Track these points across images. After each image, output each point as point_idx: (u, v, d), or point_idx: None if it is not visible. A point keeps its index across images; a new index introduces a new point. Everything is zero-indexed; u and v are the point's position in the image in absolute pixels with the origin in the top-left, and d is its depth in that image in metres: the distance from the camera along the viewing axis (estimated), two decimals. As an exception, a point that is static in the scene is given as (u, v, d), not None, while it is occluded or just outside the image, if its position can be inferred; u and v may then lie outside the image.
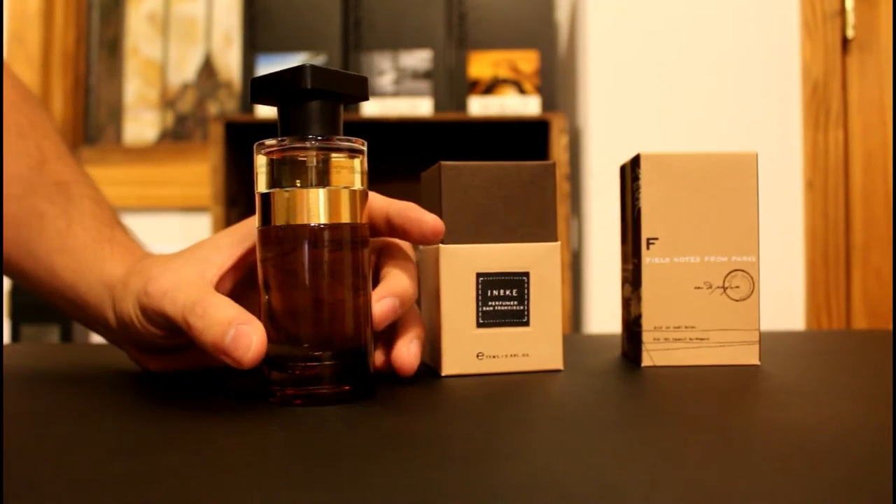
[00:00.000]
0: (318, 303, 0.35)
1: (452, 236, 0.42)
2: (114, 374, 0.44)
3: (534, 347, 0.42)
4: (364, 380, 0.36)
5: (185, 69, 1.88)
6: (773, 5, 1.43)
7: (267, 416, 0.33)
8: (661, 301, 0.44)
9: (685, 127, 1.43)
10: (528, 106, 1.41)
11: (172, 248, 0.42)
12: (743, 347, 0.44)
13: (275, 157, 0.35)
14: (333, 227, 0.35)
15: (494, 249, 0.42)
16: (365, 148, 0.37)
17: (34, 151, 0.48)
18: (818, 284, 1.42)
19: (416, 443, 0.28)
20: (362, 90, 0.37)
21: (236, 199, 1.45)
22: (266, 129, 1.39)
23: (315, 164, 0.35)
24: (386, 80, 1.43)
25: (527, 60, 1.42)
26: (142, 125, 1.88)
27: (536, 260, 0.42)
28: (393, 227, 0.39)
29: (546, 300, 0.42)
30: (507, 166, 0.42)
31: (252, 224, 0.39)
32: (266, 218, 0.35)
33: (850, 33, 1.43)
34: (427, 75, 1.43)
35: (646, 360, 0.44)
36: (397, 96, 1.43)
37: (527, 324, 0.42)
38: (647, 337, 0.44)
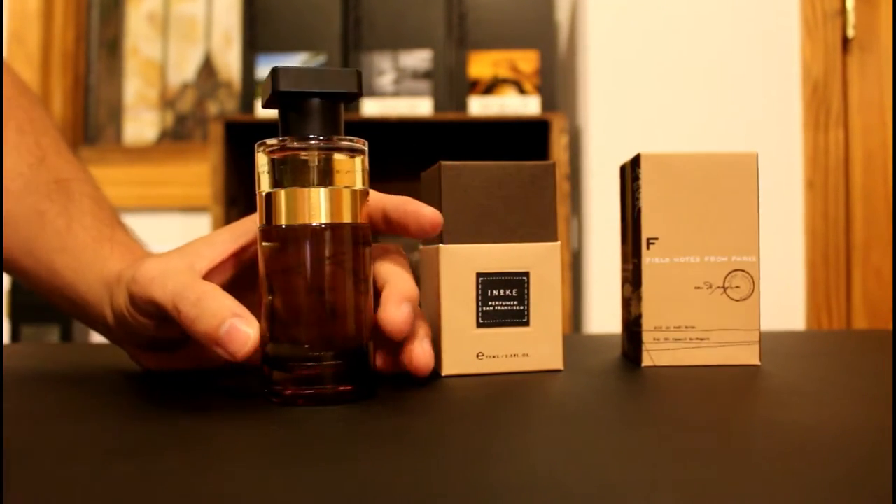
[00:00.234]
0: (319, 302, 0.35)
1: (452, 236, 0.42)
2: (114, 374, 0.44)
3: (534, 347, 0.42)
4: (365, 380, 0.36)
5: (184, 69, 1.88)
6: (773, 5, 1.43)
7: (268, 416, 0.33)
8: (661, 301, 0.44)
9: (685, 127, 1.43)
10: (528, 106, 1.41)
11: (172, 248, 0.42)
12: (743, 347, 0.44)
13: (276, 156, 0.35)
14: (335, 227, 0.35)
15: (494, 249, 0.42)
16: (366, 147, 0.37)
17: (34, 148, 0.47)
18: (818, 284, 1.42)
19: (416, 443, 0.28)
20: (350, 84, 0.35)
21: (236, 199, 1.45)
22: (266, 128, 1.39)
23: (316, 163, 0.35)
24: (386, 80, 1.43)
25: (527, 60, 1.42)
26: (142, 125, 1.88)
27: (536, 260, 0.42)
28: (391, 222, 0.39)
29: (546, 300, 0.42)
30: (507, 166, 0.42)
31: (250, 221, 0.39)
32: (268, 217, 0.35)
33: (850, 33, 1.43)
34: (427, 75, 1.43)
35: (646, 360, 0.44)
36: (397, 96, 1.43)
37: (527, 324, 0.42)
38: (647, 337, 0.44)
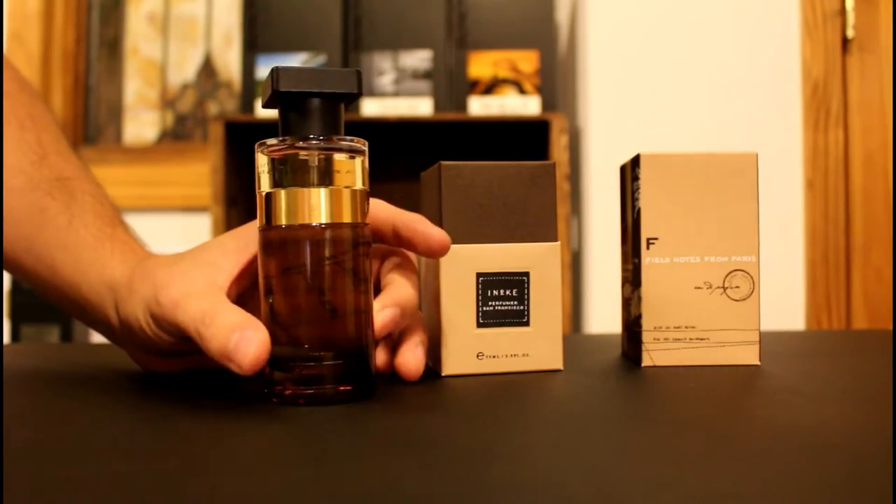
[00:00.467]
0: (319, 303, 0.35)
1: (452, 236, 0.42)
2: (114, 374, 0.44)
3: (534, 347, 0.42)
4: (365, 380, 0.36)
5: (185, 69, 1.88)
6: (773, 5, 1.43)
7: (268, 415, 0.33)
8: (661, 301, 0.44)
9: (685, 127, 1.43)
10: (528, 106, 1.41)
11: (173, 248, 0.42)
12: (743, 347, 0.44)
13: (276, 156, 0.35)
14: (335, 227, 0.35)
15: (494, 249, 0.42)
16: (366, 148, 0.37)
17: (35, 145, 0.47)
18: (818, 284, 1.42)
19: (416, 443, 0.28)
20: (350, 85, 0.35)
21: (236, 199, 1.45)
22: (266, 128, 1.39)
23: (316, 163, 0.35)
24: (386, 80, 1.43)
25: (527, 60, 1.42)
26: (142, 125, 1.88)
27: (536, 260, 0.42)
28: (400, 239, 0.39)
29: (546, 300, 0.42)
30: (507, 166, 0.42)
31: (254, 227, 0.39)
32: (268, 217, 0.35)
33: (850, 33, 1.43)
34: (427, 75, 1.43)
35: (646, 360, 0.44)
36: (397, 96, 1.43)
37: (527, 324, 0.42)
38: (647, 337, 0.44)
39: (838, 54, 1.43)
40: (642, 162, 0.44)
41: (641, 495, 0.22)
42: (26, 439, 0.29)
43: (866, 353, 0.51)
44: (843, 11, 1.43)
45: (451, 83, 1.43)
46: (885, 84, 1.42)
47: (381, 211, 0.39)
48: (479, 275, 0.42)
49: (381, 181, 1.36)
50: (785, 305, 1.41)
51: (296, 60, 1.42)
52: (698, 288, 0.44)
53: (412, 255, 0.41)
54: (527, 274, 0.42)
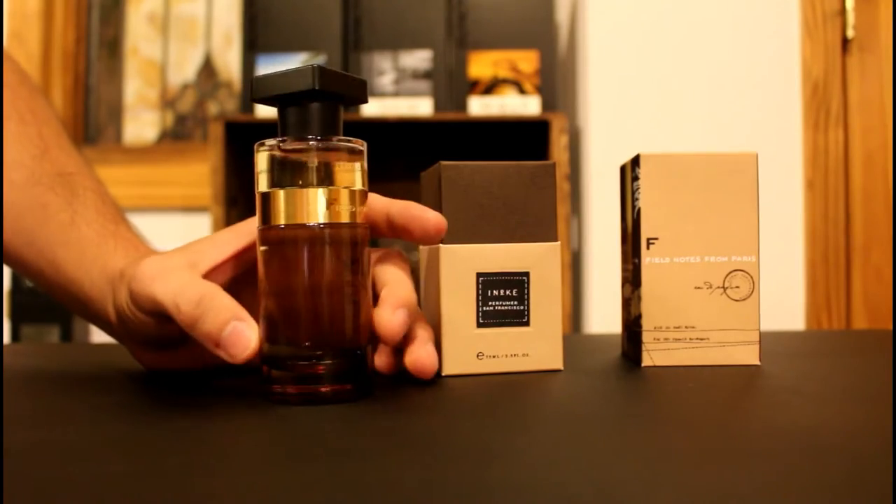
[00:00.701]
0: (317, 302, 0.35)
1: (452, 236, 0.42)
2: (114, 374, 0.44)
3: (534, 347, 0.42)
4: (363, 379, 0.36)
5: (185, 69, 1.88)
6: (773, 5, 1.43)
7: (267, 415, 0.33)
8: (661, 301, 0.44)
9: (685, 127, 1.43)
10: (528, 106, 1.41)
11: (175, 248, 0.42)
12: (743, 347, 0.44)
13: (275, 156, 0.35)
14: (333, 227, 0.35)
15: (494, 249, 0.42)
16: (364, 148, 0.37)
17: (36, 139, 0.47)
18: (818, 284, 1.42)
19: (416, 443, 0.28)
20: (362, 92, 0.37)
21: (236, 199, 1.45)
22: (266, 129, 1.39)
23: (315, 164, 0.35)
24: (386, 80, 1.43)
25: (527, 60, 1.42)
26: (142, 125, 1.88)
27: (536, 260, 0.42)
28: (394, 227, 0.39)
29: (546, 300, 0.42)
30: (507, 166, 0.42)
31: (254, 222, 0.39)
32: (266, 217, 0.35)
33: (850, 33, 1.43)
34: (427, 75, 1.43)
35: (646, 360, 0.44)
36: (397, 96, 1.43)
37: (527, 324, 0.42)
38: (647, 337, 0.44)
39: (838, 54, 1.43)
40: (642, 162, 0.44)
41: (641, 495, 0.22)
42: (26, 439, 0.29)
43: (866, 353, 0.51)
44: (843, 11, 1.43)
45: (451, 83, 1.43)
46: (885, 84, 1.42)
47: (374, 202, 0.39)
48: (479, 275, 0.42)
49: (381, 181, 1.36)
50: (785, 305, 1.41)
51: (296, 60, 1.42)
52: (698, 288, 0.44)
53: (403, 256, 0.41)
54: (527, 274, 0.42)
